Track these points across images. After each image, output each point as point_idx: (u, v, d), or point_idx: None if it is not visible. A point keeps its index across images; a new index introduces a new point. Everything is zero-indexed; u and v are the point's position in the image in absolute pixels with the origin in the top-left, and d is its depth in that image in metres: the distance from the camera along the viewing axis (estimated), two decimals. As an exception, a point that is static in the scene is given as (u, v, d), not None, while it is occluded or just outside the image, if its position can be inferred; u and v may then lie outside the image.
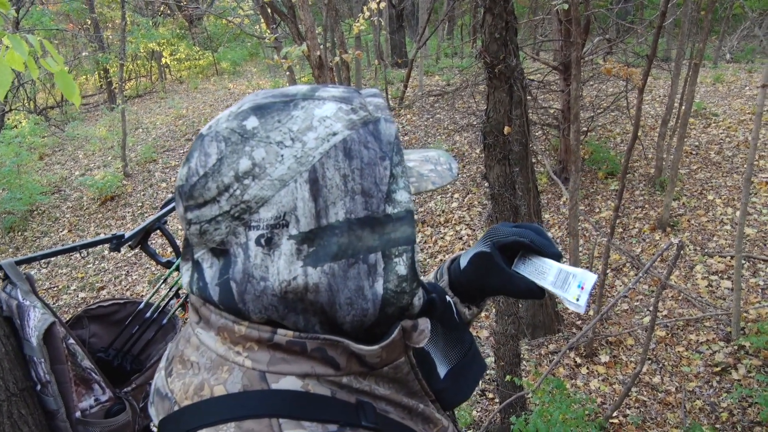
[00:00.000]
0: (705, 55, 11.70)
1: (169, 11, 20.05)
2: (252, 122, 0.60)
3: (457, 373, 0.77)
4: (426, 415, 0.69)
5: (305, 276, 0.58)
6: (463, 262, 0.91)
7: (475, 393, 4.89)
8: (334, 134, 0.60)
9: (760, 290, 5.48)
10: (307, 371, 0.60)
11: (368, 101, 0.65)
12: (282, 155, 0.58)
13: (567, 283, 0.79)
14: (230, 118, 0.61)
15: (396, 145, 0.63)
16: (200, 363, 0.63)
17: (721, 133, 8.90)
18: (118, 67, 11.26)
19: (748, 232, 6.22)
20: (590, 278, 0.78)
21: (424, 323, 0.66)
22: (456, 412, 3.99)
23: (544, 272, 0.81)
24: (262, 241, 0.58)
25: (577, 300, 0.77)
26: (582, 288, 0.78)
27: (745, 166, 5.05)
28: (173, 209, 2.29)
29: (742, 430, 4.16)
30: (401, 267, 0.61)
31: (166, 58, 17.86)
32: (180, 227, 6.58)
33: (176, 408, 0.61)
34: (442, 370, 0.76)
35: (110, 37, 18.15)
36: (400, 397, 0.66)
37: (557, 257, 0.82)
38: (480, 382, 0.83)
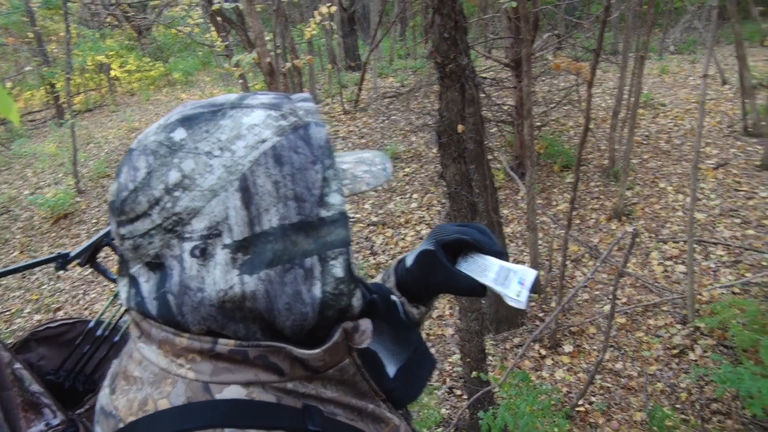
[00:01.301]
0: (650, 47, 12.01)
1: (116, 22, 19.66)
2: (180, 134, 0.60)
3: (406, 371, 0.77)
4: (376, 415, 0.70)
5: (242, 284, 0.58)
6: (409, 262, 0.91)
7: (443, 390, 4.92)
8: (263, 141, 0.60)
9: (712, 273, 5.66)
10: (250, 379, 0.60)
11: (298, 106, 0.65)
12: (211, 165, 0.58)
13: (508, 279, 0.81)
14: (158, 131, 0.61)
15: (327, 148, 0.63)
16: (143, 378, 0.62)
17: (669, 123, 9.16)
18: (65, 81, 10.97)
19: (698, 217, 6.41)
20: (530, 274, 0.80)
21: (366, 324, 0.66)
22: (425, 411, 4.01)
23: (486, 269, 0.83)
24: (197, 252, 0.58)
25: (518, 296, 0.79)
26: (522, 284, 0.80)
27: (692, 153, 5.24)
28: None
29: (701, 407, 4.29)
30: (338, 269, 0.62)
31: (115, 70, 17.48)
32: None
33: (121, 425, 0.60)
34: (391, 370, 0.77)
35: (55, 50, 17.68)
36: (349, 399, 0.67)
37: (499, 255, 0.84)
38: (432, 378, 0.85)
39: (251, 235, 0.58)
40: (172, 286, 0.59)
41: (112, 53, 17.02)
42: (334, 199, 0.62)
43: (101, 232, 2.04)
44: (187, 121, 0.61)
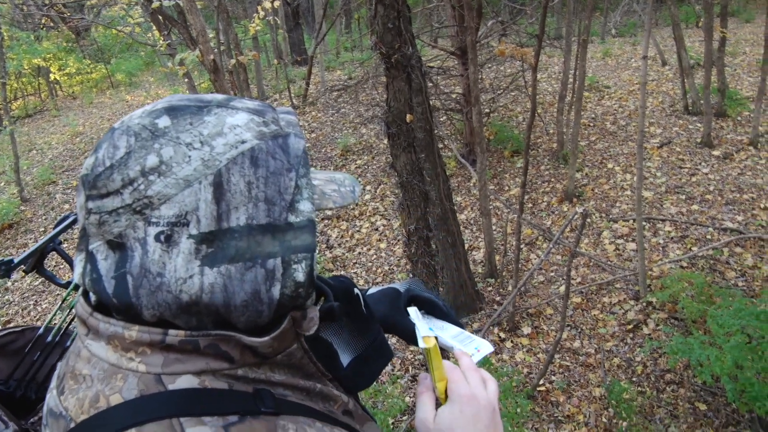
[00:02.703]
0: (592, 31, 12.26)
1: (52, 23, 19.01)
2: (164, 121, 0.61)
3: (360, 361, 0.80)
4: (325, 394, 0.71)
5: (201, 275, 0.59)
6: (372, 290, 0.98)
7: (406, 379, 4.95)
8: (243, 142, 0.62)
9: (661, 248, 5.83)
10: (202, 368, 0.61)
11: (281, 117, 0.68)
12: (189, 156, 0.60)
13: (467, 341, 0.88)
14: (143, 115, 0.62)
15: (303, 158, 0.65)
16: (93, 375, 0.62)
17: (614, 104, 9.38)
18: (0, 86, 10.57)
19: (646, 196, 6.59)
20: (487, 347, 0.87)
21: (313, 311, 0.68)
22: (389, 401, 4.01)
23: (445, 329, 0.91)
24: (162, 237, 0.59)
25: (471, 357, 0.85)
26: (478, 351, 0.86)
27: (637, 133, 5.40)
28: (67, 227, 2.18)
29: (655, 379, 4.42)
30: (299, 274, 0.63)
31: (54, 73, 16.92)
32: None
33: (72, 425, 0.60)
34: (345, 359, 0.79)
35: (-12, 55, 17.03)
36: (297, 381, 0.68)
37: (460, 326, 0.93)
38: (391, 367, 0.90)
39: (217, 229, 0.60)
40: (132, 268, 0.60)
41: (49, 56, 16.46)
42: (304, 206, 0.64)
43: (47, 236, 1.97)
44: (173, 111, 0.62)
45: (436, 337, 0.86)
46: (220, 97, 0.66)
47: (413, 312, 0.93)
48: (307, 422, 0.64)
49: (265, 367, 0.65)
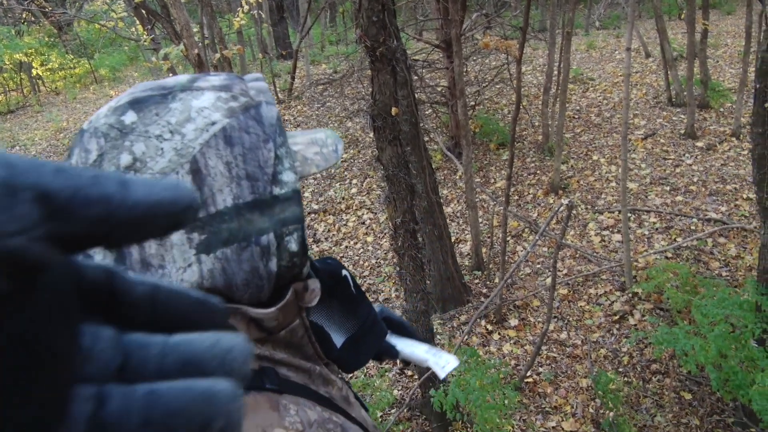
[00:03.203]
0: (576, 23, 12.29)
1: (33, 18, 18.77)
2: (130, 117, 0.60)
3: (353, 342, 0.81)
4: (324, 376, 0.72)
5: (199, 263, 0.60)
6: None
7: (394, 372, 4.96)
8: (213, 124, 0.61)
9: (646, 239, 5.87)
10: None
11: (250, 86, 0.66)
12: (162, 148, 0.59)
13: (438, 355, 0.98)
14: (108, 114, 0.61)
15: (278, 126, 0.64)
16: None
17: (598, 96, 9.42)
18: (-18, 82, 10.43)
19: (631, 187, 6.64)
20: (455, 362, 0.97)
21: (314, 283, 0.69)
22: (378, 394, 4.02)
23: (415, 346, 1.00)
24: None
25: (443, 368, 0.96)
26: (448, 363, 0.97)
27: (622, 125, 5.43)
28: None
29: (641, 369, 4.46)
30: (293, 244, 0.64)
31: (36, 68, 16.69)
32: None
33: None
34: (338, 340, 0.80)
35: (-33, 50, 16.79)
36: (298, 361, 0.69)
37: (426, 344, 1.01)
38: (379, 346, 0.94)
39: (206, 215, 0.59)
40: (133, 263, 0.60)
41: (31, 51, 16.25)
42: (287, 176, 0.63)
43: None
44: (137, 104, 0.61)
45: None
46: (183, 79, 0.65)
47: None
48: (307, 404, 0.64)
49: (268, 345, 0.66)
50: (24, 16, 18.39)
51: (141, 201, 0.22)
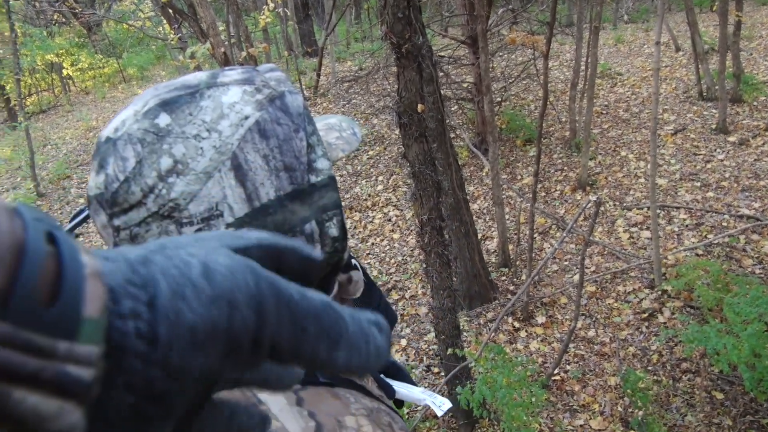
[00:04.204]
0: (604, 17, 12.13)
1: (64, 19, 19.11)
2: (164, 119, 0.59)
3: None
4: None
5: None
6: None
7: (420, 369, 4.96)
8: (246, 118, 0.61)
9: (675, 236, 5.78)
10: None
11: (268, 77, 0.66)
12: (201, 148, 0.59)
13: (433, 396, 1.01)
14: (139, 119, 0.60)
15: (306, 115, 0.65)
16: None
17: (627, 91, 9.29)
18: (15, 82, 10.64)
19: (660, 183, 6.53)
20: (448, 404, 1.02)
21: (357, 275, 0.70)
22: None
23: (410, 387, 1.01)
24: None
25: (440, 407, 1.00)
26: (444, 403, 1.01)
27: (651, 120, 5.33)
28: (82, 221, 2.20)
29: (671, 368, 4.40)
30: (333, 230, 0.64)
31: (67, 69, 17.00)
32: (99, 238, 6.28)
33: None
34: None
35: (1, 51, 17.13)
36: None
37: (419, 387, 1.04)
38: (402, 358, 0.95)
39: (251, 210, 0.60)
40: None
41: (62, 51, 16.55)
42: (321, 164, 0.64)
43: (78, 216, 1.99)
44: (167, 106, 0.60)
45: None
46: (203, 75, 0.64)
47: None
48: (359, 395, 0.65)
49: None
50: (55, 17, 18.74)
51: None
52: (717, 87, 7.67)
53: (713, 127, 7.52)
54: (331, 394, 0.60)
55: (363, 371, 0.30)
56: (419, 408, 4.41)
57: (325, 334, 0.28)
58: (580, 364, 4.65)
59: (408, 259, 6.45)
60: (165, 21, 8.57)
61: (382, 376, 1.00)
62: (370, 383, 0.73)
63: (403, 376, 1.03)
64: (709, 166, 6.80)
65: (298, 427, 0.53)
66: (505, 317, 5.17)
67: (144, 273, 0.25)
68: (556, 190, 7.08)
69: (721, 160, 6.84)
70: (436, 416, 4.36)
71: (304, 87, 11.54)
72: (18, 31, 13.83)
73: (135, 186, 0.58)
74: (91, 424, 0.22)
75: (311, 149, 0.63)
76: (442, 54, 8.28)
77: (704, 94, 8.39)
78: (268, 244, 0.31)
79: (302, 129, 0.63)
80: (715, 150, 7.08)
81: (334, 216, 0.64)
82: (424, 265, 3.95)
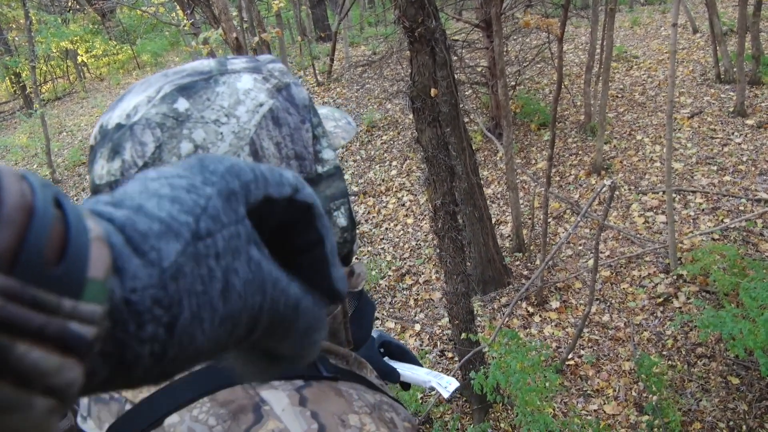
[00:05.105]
0: (620, 0, 11.96)
1: (78, 6, 19.17)
2: (183, 104, 0.59)
3: (357, 317, 0.82)
4: (358, 360, 0.72)
5: None
6: None
7: (434, 354, 4.98)
8: (261, 105, 0.61)
9: (691, 221, 5.73)
10: None
11: (271, 68, 0.66)
12: (221, 133, 0.59)
13: (439, 378, 1.01)
14: (156, 104, 0.59)
15: (311, 107, 0.65)
16: None
17: (642, 74, 9.17)
18: (30, 69, 10.71)
19: (676, 167, 6.47)
20: (455, 383, 1.01)
21: (359, 267, 0.70)
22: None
23: (415, 369, 1.02)
24: None
25: (446, 388, 0.99)
26: (450, 384, 1.01)
27: (667, 104, 5.25)
28: None
29: (686, 353, 4.38)
30: (341, 219, 0.65)
31: (82, 55, 17.07)
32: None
33: (129, 406, 0.59)
34: None
35: (16, 38, 17.23)
36: (337, 348, 0.69)
37: (425, 368, 1.04)
38: (416, 343, 0.96)
39: None
40: None
41: (76, 38, 16.59)
42: (327, 154, 0.64)
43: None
44: (185, 91, 0.60)
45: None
46: (212, 62, 0.64)
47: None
48: (361, 388, 0.65)
49: None
50: (69, 4, 18.80)
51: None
52: (735, 69, 7.55)
53: (731, 110, 7.42)
54: (335, 392, 0.60)
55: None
56: (432, 393, 4.43)
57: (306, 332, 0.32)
58: (595, 349, 4.65)
59: (422, 244, 6.46)
60: (178, 7, 8.55)
61: (386, 359, 1.00)
62: (369, 373, 0.73)
63: (409, 358, 1.04)
64: (726, 149, 6.72)
65: (300, 429, 0.54)
66: (519, 302, 5.16)
67: (172, 292, 0.26)
68: (570, 174, 7.03)
69: (739, 144, 6.75)
70: (449, 401, 4.38)
71: (317, 72, 11.52)
72: (33, 18, 13.91)
73: None
74: (112, 366, 0.24)
75: (317, 140, 0.64)
76: (455, 38, 8.22)
77: (722, 76, 8.27)
78: (262, 194, 0.33)
79: (308, 120, 0.64)
80: (733, 133, 6.99)
81: (342, 205, 0.65)
82: (438, 250, 3.95)
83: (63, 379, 0.21)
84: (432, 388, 0.99)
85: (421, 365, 1.03)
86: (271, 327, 0.31)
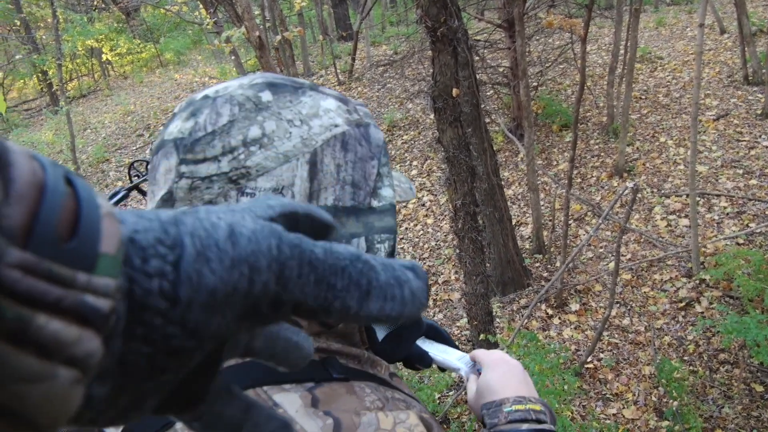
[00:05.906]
0: (645, 0, 11.83)
1: (103, 5, 19.43)
2: (267, 96, 0.63)
3: (395, 335, 0.85)
4: (372, 359, 0.73)
5: None
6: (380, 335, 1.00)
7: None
8: (336, 126, 0.65)
9: (715, 225, 5.65)
10: None
11: (359, 108, 0.71)
12: (290, 132, 0.62)
13: (470, 363, 0.97)
14: (245, 87, 0.64)
15: (384, 149, 0.69)
16: None
17: (667, 76, 9.06)
18: (57, 67, 10.88)
19: (700, 170, 6.38)
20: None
21: None
22: (435, 376, 4.03)
23: (448, 352, 0.99)
24: None
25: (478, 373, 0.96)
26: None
27: (692, 106, 5.18)
28: (118, 202, 2.28)
29: (708, 358, 4.32)
30: (382, 253, 0.67)
31: (106, 54, 17.31)
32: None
33: None
34: (381, 334, 0.85)
35: (44, 37, 17.50)
36: (349, 349, 0.70)
37: (460, 350, 1.02)
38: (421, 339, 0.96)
39: None
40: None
41: (101, 37, 16.83)
42: (386, 192, 0.68)
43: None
44: (273, 87, 0.65)
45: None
46: (308, 82, 0.69)
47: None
48: (373, 386, 0.66)
49: (323, 337, 0.68)
50: (95, 3, 19.06)
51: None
52: (764, 70, 7.43)
53: (758, 112, 7.29)
54: (347, 390, 0.61)
55: (401, 317, 0.31)
56: (450, 394, 4.42)
57: (354, 286, 0.29)
58: (614, 352, 4.60)
59: (441, 244, 6.44)
60: (201, 5, 8.64)
61: (418, 342, 1.00)
62: (383, 370, 0.74)
63: (443, 338, 1.03)
64: (752, 152, 6.61)
65: (315, 426, 0.54)
66: (539, 304, 5.13)
67: (174, 233, 0.26)
68: (592, 176, 6.97)
69: (766, 147, 6.64)
70: (466, 401, 4.36)
71: (339, 71, 11.55)
72: (60, 17, 14.12)
73: (218, 141, 0.61)
74: (110, 368, 0.24)
75: (380, 178, 0.67)
76: (477, 38, 8.19)
77: (750, 78, 8.13)
78: (289, 209, 0.32)
79: (377, 158, 0.68)
80: (760, 136, 6.87)
81: (386, 240, 0.67)
82: (458, 251, 3.94)
83: (83, 349, 0.22)
84: (461, 376, 0.98)
85: (456, 346, 1.02)
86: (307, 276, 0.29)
